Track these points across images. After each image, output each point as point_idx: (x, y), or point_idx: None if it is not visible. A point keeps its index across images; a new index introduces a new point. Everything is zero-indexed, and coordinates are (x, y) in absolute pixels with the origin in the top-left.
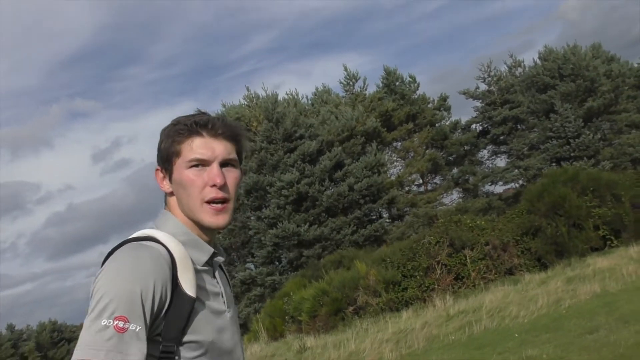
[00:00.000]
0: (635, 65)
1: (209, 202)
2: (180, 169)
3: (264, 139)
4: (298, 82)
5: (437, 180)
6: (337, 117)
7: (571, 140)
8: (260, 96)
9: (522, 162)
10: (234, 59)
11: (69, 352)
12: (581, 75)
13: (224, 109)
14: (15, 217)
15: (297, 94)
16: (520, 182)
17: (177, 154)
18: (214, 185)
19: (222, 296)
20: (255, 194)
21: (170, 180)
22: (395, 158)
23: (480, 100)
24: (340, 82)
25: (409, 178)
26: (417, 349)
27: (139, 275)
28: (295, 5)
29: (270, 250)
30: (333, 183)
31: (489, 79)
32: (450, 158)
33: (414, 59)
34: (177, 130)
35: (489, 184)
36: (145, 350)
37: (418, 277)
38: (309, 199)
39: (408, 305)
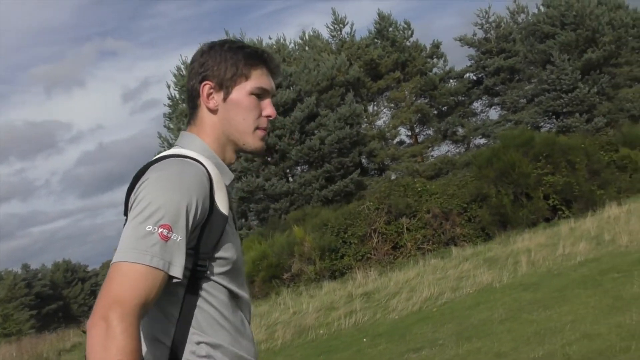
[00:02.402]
0: None
1: (259, 129)
2: (242, 92)
3: None
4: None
5: (431, 132)
6: (318, 65)
7: (563, 95)
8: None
9: (514, 115)
10: None
11: (82, 291)
12: (583, 25)
13: None
14: (49, 155)
15: (284, 39)
16: None
17: (246, 76)
18: (268, 117)
19: (235, 219)
20: None
21: (224, 99)
22: (382, 109)
23: (476, 48)
24: (327, 27)
25: (394, 130)
26: (275, 345)
27: (186, 189)
28: None
29: (237, 204)
30: (305, 135)
31: (487, 25)
32: (444, 109)
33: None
34: (247, 54)
35: (480, 137)
36: (184, 261)
37: (354, 245)
38: (279, 151)
39: (341, 275)
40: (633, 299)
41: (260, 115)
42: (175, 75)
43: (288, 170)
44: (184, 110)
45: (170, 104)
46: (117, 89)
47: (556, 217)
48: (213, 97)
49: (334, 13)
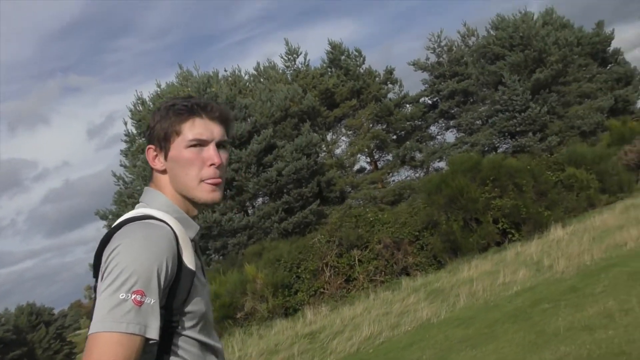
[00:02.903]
0: (590, 31)
1: (205, 180)
2: (179, 148)
3: None
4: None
5: (390, 158)
6: (272, 96)
7: (516, 115)
8: (194, 74)
9: (470, 137)
10: (225, 28)
11: (47, 334)
12: (530, 45)
13: (158, 89)
14: (14, 194)
15: (239, 71)
16: None
17: (177, 133)
18: (212, 165)
19: (203, 268)
20: None
21: (165, 158)
22: (340, 138)
23: (429, 72)
24: (281, 58)
25: (352, 158)
26: None
27: (155, 253)
28: None
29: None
30: (262, 167)
31: (439, 49)
32: (402, 134)
33: (409, 24)
34: (176, 111)
35: (438, 160)
36: (159, 323)
37: (307, 280)
38: (235, 186)
39: (294, 312)
40: (554, 334)
41: (203, 166)
42: (131, 111)
43: (247, 204)
44: (141, 145)
45: (127, 139)
46: (82, 125)
47: (506, 241)
48: (157, 159)
49: (287, 43)
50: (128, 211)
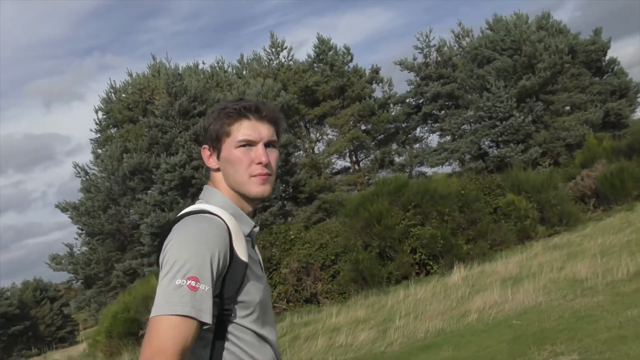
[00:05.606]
0: (587, 38)
1: (254, 176)
2: (229, 148)
3: (162, 115)
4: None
5: (371, 159)
6: (245, 92)
7: (498, 123)
8: (166, 66)
9: (451, 144)
10: (257, 12)
11: (52, 310)
12: (520, 50)
13: (129, 78)
14: (46, 168)
15: (223, 62)
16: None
17: (227, 134)
18: (259, 163)
19: (260, 263)
20: (140, 176)
21: (218, 157)
22: (323, 137)
23: (415, 73)
24: (265, 51)
25: (327, 159)
26: None
27: (207, 243)
28: None
29: (149, 241)
30: None
31: (427, 49)
32: (382, 137)
33: (442, 15)
34: (226, 113)
35: (418, 165)
36: (211, 309)
37: None
38: (195, 184)
39: None
40: None
41: (252, 164)
42: (103, 100)
43: None
44: (110, 136)
45: (97, 129)
46: None
47: (423, 274)
48: (212, 158)
49: (272, 36)
50: (91, 204)
